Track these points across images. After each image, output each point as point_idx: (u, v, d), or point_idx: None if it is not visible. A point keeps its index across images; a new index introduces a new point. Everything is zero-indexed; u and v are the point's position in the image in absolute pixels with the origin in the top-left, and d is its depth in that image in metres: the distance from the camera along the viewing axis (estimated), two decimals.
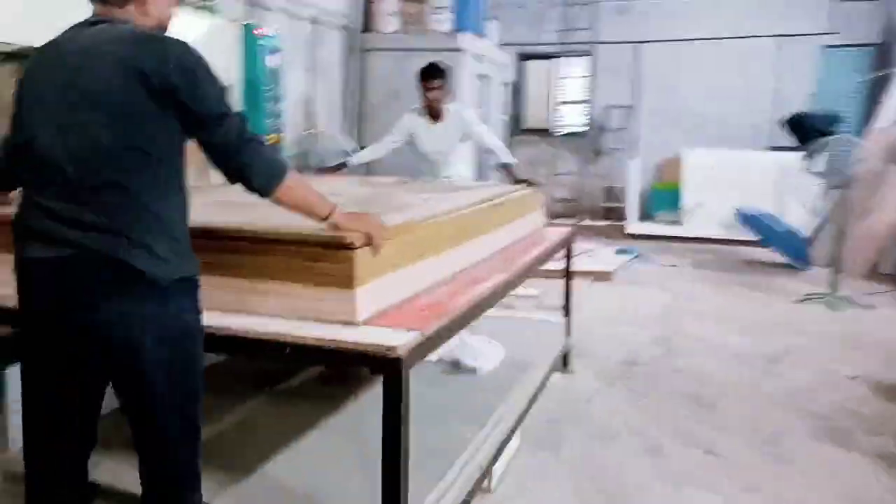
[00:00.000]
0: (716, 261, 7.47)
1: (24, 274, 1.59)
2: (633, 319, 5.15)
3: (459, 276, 2.48)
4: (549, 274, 4.91)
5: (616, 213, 10.02)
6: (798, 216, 7.39)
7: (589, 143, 10.32)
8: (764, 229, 7.19)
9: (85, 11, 1.67)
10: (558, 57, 10.26)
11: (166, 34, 1.69)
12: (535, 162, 10.50)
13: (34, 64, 1.67)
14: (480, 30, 8.12)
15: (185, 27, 3.97)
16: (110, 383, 1.65)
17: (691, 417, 3.45)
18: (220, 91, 1.64)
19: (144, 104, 1.52)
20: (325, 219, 1.80)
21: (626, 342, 4.56)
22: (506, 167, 4.19)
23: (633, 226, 9.09)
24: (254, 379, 2.74)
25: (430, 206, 2.66)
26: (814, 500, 2.74)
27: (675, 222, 9.04)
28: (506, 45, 9.59)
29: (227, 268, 1.89)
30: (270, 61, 4.66)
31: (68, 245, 1.51)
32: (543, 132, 10.67)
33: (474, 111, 5.03)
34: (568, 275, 4.03)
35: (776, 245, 7.17)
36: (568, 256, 3.97)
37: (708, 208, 8.68)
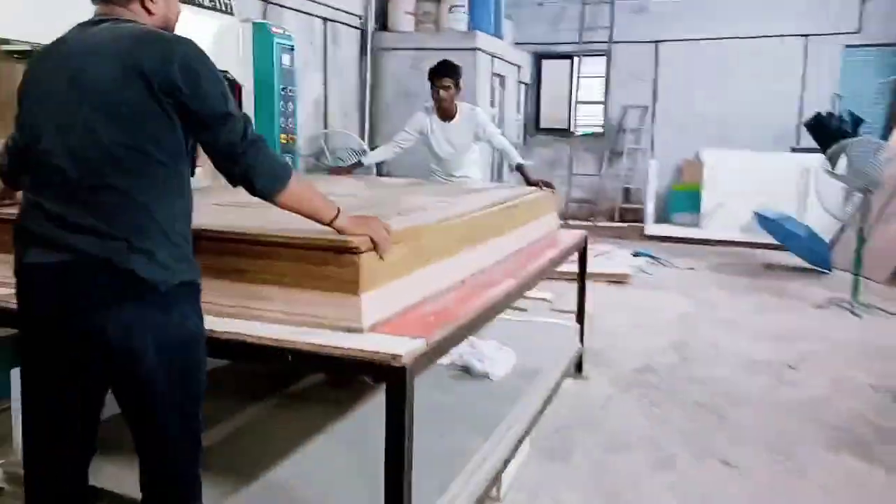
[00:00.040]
0: (735, 264, 7.35)
1: (25, 279, 1.57)
2: (649, 324, 5.07)
3: (469, 280, 2.43)
4: (564, 276, 4.87)
5: (634, 215, 9.92)
6: (819, 219, 7.25)
7: (606, 143, 10.22)
8: (784, 232, 7.06)
9: None
10: (576, 56, 10.17)
11: (171, 33, 1.66)
12: (552, 162, 10.43)
13: (37, 63, 1.65)
14: (497, 29, 8.08)
15: (198, 26, 3.97)
16: (110, 389, 1.63)
17: (706, 427, 3.37)
18: (224, 91, 1.61)
19: (146, 104, 1.50)
20: (329, 222, 1.76)
21: (642, 348, 4.49)
22: (520, 168, 4.13)
23: (651, 228, 8.99)
24: (261, 382, 2.71)
25: (440, 209, 2.61)
26: None
27: (694, 224, 8.93)
28: (522, 44, 9.54)
29: (230, 271, 1.86)
30: (284, 61, 4.64)
31: (68, 250, 1.49)
32: (560, 132, 10.59)
33: (486, 111, 4.98)
34: (582, 278, 3.97)
35: (796, 249, 7.05)
36: (582, 260, 3.90)
37: (728, 210, 8.56)
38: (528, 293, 3.76)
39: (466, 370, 3.10)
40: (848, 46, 8.99)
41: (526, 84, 9.78)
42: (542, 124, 10.80)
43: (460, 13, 7.58)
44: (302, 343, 1.69)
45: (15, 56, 3.05)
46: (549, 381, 3.27)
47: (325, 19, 6.89)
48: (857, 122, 7.79)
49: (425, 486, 1.98)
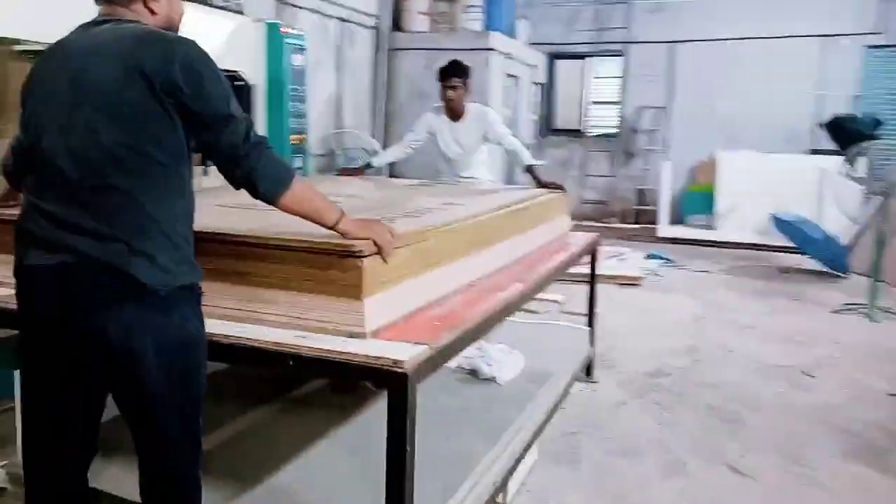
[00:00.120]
0: (750, 267, 7.27)
1: (26, 280, 1.57)
2: (661, 328, 5.02)
3: (476, 284, 2.40)
4: (575, 278, 4.83)
5: (647, 216, 9.85)
6: (837, 222, 7.15)
7: (620, 144, 10.15)
8: (800, 235, 6.97)
9: None
10: (590, 57, 10.11)
11: (174, 33, 1.65)
12: (566, 163, 10.38)
13: (40, 64, 1.65)
14: (511, 29, 8.04)
15: (209, 26, 3.98)
16: (111, 391, 1.62)
17: (717, 433, 3.32)
18: (227, 93, 1.60)
19: (147, 104, 1.49)
20: (332, 226, 1.75)
21: (653, 352, 4.44)
22: (530, 170, 4.10)
23: (665, 229, 8.91)
24: (264, 386, 2.70)
25: (448, 211, 2.59)
26: None
27: (709, 226, 8.84)
28: (536, 44, 9.49)
29: (232, 274, 1.85)
30: (296, 61, 4.63)
31: (68, 251, 1.49)
32: (574, 133, 10.54)
33: (500, 112, 4.95)
34: (593, 281, 3.93)
35: (813, 252, 6.95)
36: (593, 262, 3.86)
37: (743, 213, 8.47)
38: (539, 294, 3.73)
39: (474, 373, 3.08)
40: (867, 47, 8.86)
41: (540, 84, 9.73)
42: (557, 125, 10.75)
43: (475, 13, 7.55)
44: (303, 348, 1.67)
45: (28, 56, 3.07)
46: (559, 384, 3.23)
47: (339, 19, 6.89)
48: (876, 123, 7.65)
49: (430, 491, 1.96)
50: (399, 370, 1.60)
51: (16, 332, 1.67)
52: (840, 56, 8.94)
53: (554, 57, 10.43)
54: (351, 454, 2.26)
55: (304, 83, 4.75)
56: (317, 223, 1.74)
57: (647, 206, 10.00)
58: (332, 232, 1.75)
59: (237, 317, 1.83)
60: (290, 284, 1.81)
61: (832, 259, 6.82)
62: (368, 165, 4.33)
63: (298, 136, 4.71)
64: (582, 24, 10.04)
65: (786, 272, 6.98)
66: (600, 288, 4.05)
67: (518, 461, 2.59)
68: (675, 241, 8.49)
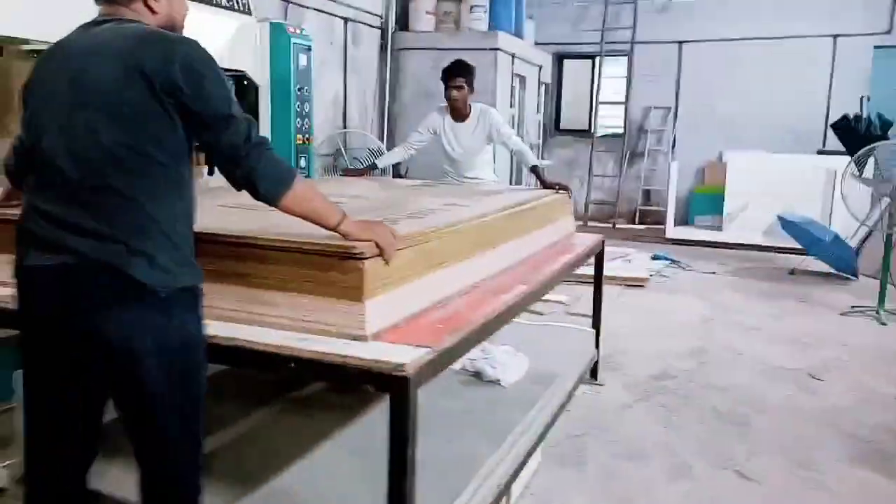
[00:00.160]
0: (757, 269, 7.23)
1: (26, 280, 1.57)
2: (667, 329, 4.99)
3: (480, 286, 2.38)
4: (580, 279, 4.80)
5: (654, 217, 9.82)
6: (845, 224, 7.10)
7: (627, 144, 10.12)
8: (808, 237, 6.92)
9: None
10: (597, 57, 10.07)
11: (174, 33, 1.64)
12: (572, 163, 10.35)
13: (41, 64, 1.65)
14: (518, 29, 8.02)
15: (215, 26, 3.97)
16: (111, 393, 1.61)
17: (724, 436, 3.30)
18: (227, 93, 1.59)
19: (147, 104, 1.48)
20: (334, 227, 1.73)
21: (659, 354, 4.41)
22: (535, 170, 4.08)
23: (672, 230, 8.87)
24: (266, 387, 2.68)
25: (451, 212, 2.58)
26: None
27: (716, 227, 8.80)
28: (543, 44, 9.47)
29: (233, 275, 1.83)
30: (301, 61, 4.62)
31: (69, 252, 1.48)
32: (580, 133, 10.50)
33: (506, 112, 4.93)
34: (598, 282, 3.90)
35: (821, 254, 6.90)
36: (599, 263, 3.84)
37: (751, 214, 8.41)
38: (544, 296, 3.71)
39: (478, 375, 3.06)
40: (877, 47, 8.80)
41: (546, 84, 9.71)
42: (563, 125, 10.72)
43: (481, 13, 7.53)
44: (303, 350, 1.66)
45: (34, 56, 3.07)
46: (563, 387, 3.21)
47: (345, 19, 6.89)
48: (885, 124, 7.62)
49: (433, 494, 1.94)
50: (400, 374, 1.58)
51: (17, 332, 1.66)
52: (849, 56, 8.88)
53: (561, 57, 10.41)
54: (354, 456, 2.25)
55: (310, 83, 4.73)
56: (318, 224, 1.73)
57: (654, 206, 9.96)
58: (333, 233, 1.74)
59: (237, 318, 1.81)
60: (290, 286, 1.79)
61: (840, 261, 6.77)
62: (373, 166, 4.32)
63: (304, 136, 4.70)
64: (588, 24, 10.01)
65: (793, 274, 6.93)
66: (606, 289, 4.03)
67: (522, 464, 2.57)
68: (681, 242, 8.45)
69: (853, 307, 5.57)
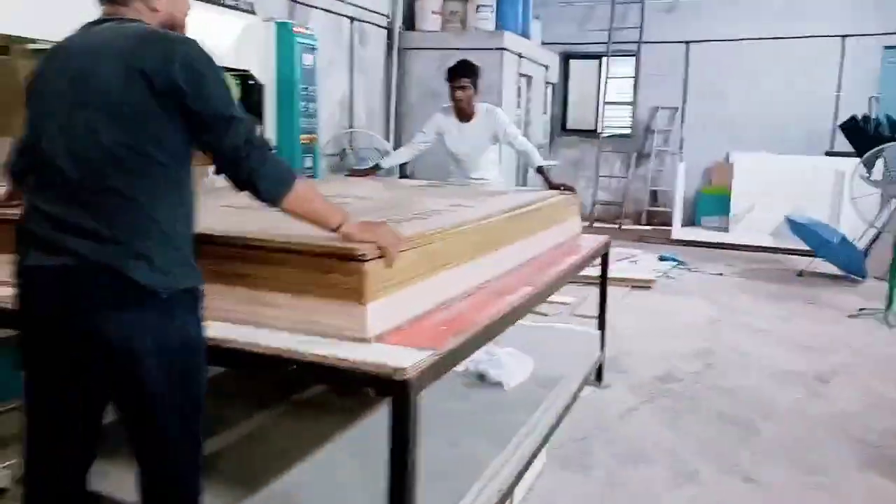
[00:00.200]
0: (764, 270, 7.18)
1: (26, 280, 1.56)
2: (673, 331, 4.95)
3: (483, 288, 2.36)
4: (586, 280, 4.78)
5: (661, 218, 9.78)
6: (854, 226, 7.05)
7: (634, 145, 10.07)
8: (816, 239, 6.87)
9: None
10: (603, 57, 10.03)
11: (175, 32, 1.63)
12: (578, 164, 10.32)
13: (43, 65, 1.64)
14: (524, 29, 7.99)
15: (220, 26, 3.97)
16: (111, 394, 1.60)
17: (731, 441, 3.26)
18: (228, 93, 1.58)
19: (147, 104, 1.47)
20: (335, 229, 1.72)
21: (665, 356, 4.38)
22: (541, 171, 4.05)
23: (679, 231, 8.83)
24: (268, 388, 2.67)
25: (456, 212, 2.55)
26: None
27: (723, 228, 8.75)
28: (549, 44, 9.44)
29: (233, 277, 1.81)
30: (306, 60, 4.61)
31: (68, 253, 1.47)
32: (587, 133, 10.47)
33: (512, 112, 4.90)
34: (604, 283, 3.88)
35: (829, 256, 6.85)
36: (604, 265, 3.82)
37: (758, 215, 8.37)
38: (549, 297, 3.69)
39: (482, 377, 3.04)
40: (887, 48, 8.74)
41: (553, 84, 9.67)
42: (569, 125, 10.68)
43: (487, 13, 7.51)
44: (303, 353, 1.64)
45: (41, 55, 3.07)
46: (568, 389, 3.19)
47: (352, 19, 6.88)
48: (895, 125, 7.55)
49: (435, 497, 1.92)
50: (400, 377, 1.56)
51: (18, 332, 1.65)
52: (858, 56, 8.82)
53: (567, 57, 10.37)
54: (355, 458, 2.23)
55: (315, 83, 4.73)
56: (319, 226, 1.71)
57: (661, 207, 9.92)
58: (335, 234, 1.72)
59: (238, 319, 1.80)
60: (291, 287, 1.77)
61: (849, 263, 6.72)
62: (378, 166, 4.30)
63: (309, 135, 4.69)
64: (595, 24, 9.97)
65: (801, 275, 6.88)
66: (612, 290, 4.00)
67: (526, 467, 2.55)
68: (688, 243, 8.40)
69: (861, 309, 5.52)
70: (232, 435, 2.34)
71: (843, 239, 6.73)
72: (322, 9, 6.38)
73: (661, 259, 7.34)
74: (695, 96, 9.72)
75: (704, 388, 3.91)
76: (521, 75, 7.89)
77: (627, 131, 10.15)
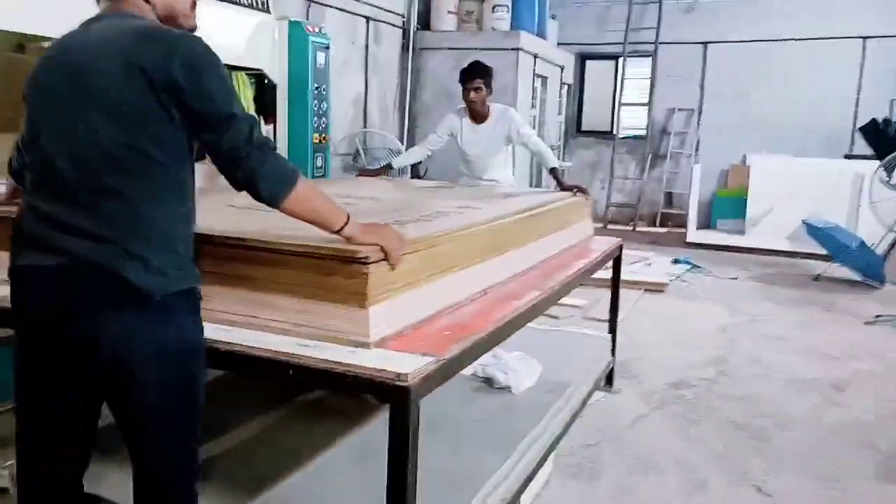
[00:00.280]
0: (781, 275, 7.08)
1: (20, 279, 1.54)
2: (686, 336, 4.88)
3: (491, 292, 2.32)
4: (598, 282, 4.73)
5: (675, 220, 9.68)
6: (872, 230, 6.93)
7: (649, 146, 9.98)
8: (833, 243, 6.76)
9: None
10: (620, 57, 9.95)
11: (177, 29, 1.60)
12: (593, 165, 10.25)
13: (42, 62, 1.61)
14: (540, 29, 7.94)
15: (233, 24, 3.95)
16: (106, 398, 1.58)
17: (743, 449, 3.20)
18: (230, 92, 1.54)
19: (147, 102, 1.44)
20: (338, 231, 1.68)
21: (677, 362, 4.32)
22: (553, 172, 4.01)
23: (693, 234, 8.73)
24: (269, 391, 2.65)
25: (464, 214, 2.52)
26: None
27: (739, 232, 8.64)
28: (565, 44, 9.37)
29: (234, 278, 1.79)
30: (319, 60, 4.59)
31: (64, 254, 1.45)
32: (602, 134, 10.38)
33: (527, 112, 4.86)
34: (615, 287, 3.82)
35: (847, 260, 6.74)
36: (616, 268, 3.76)
37: (775, 218, 8.25)
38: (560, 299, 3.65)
39: (489, 382, 3.00)
40: None
41: (568, 85, 9.61)
42: (585, 126, 10.60)
43: (503, 13, 7.47)
44: (303, 357, 1.61)
45: None
46: (577, 395, 3.14)
47: (367, 18, 6.86)
48: None
49: None
50: (401, 384, 1.53)
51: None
52: (879, 58, 8.68)
53: (584, 57, 10.30)
54: (357, 463, 2.20)
55: (328, 82, 4.71)
56: (322, 227, 1.67)
57: (676, 209, 9.82)
58: (338, 237, 1.69)
59: (238, 322, 1.77)
60: (293, 290, 1.74)
61: (867, 268, 6.60)
62: (389, 166, 4.28)
63: (321, 135, 4.68)
64: (612, 25, 9.89)
65: (818, 280, 6.77)
66: (624, 294, 3.95)
67: (532, 475, 2.51)
68: (703, 246, 8.31)
69: (878, 316, 5.42)
70: (233, 438, 2.32)
71: (862, 243, 6.61)
72: (338, 8, 6.37)
73: (676, 262, 7.26)
74: (712, 98, 9.61)
75: (717, 395, 3.84)
76: (537, 76, 7.84)
77: (643, 133, 10.05)
